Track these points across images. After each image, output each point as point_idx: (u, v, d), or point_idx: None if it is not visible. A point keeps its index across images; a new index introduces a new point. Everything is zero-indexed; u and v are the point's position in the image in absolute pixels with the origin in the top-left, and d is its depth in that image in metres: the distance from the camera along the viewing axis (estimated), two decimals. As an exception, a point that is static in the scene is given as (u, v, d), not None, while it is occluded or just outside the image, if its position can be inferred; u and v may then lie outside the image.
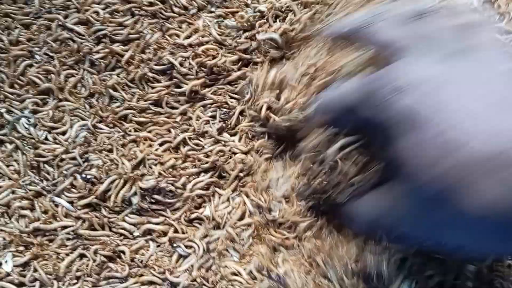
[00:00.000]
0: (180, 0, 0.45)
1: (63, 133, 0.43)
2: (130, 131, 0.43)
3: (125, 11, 0.45)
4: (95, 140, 0.43)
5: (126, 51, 0.44)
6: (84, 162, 0.41)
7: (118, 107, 0.44)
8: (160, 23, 0.45)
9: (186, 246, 0.40)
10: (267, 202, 0.40)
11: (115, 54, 0.44)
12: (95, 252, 0.40)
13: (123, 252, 0.40)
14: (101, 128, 0.43)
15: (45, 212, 0.40)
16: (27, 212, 0.40)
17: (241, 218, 0.41)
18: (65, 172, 0.41)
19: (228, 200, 0.42)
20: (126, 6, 0.44)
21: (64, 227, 0.40)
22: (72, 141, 0.42)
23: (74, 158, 0.42)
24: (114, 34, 0.44)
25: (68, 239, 0.40)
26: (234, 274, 0.39)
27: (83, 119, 0.43)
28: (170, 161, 0.42)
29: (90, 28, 0.44)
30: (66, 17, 0.44)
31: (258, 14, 0.44)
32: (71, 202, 0.41)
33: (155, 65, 0.44)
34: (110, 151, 0.43)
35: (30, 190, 0.41)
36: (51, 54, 0.44)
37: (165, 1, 0.45)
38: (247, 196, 0.42)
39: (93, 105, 0.44)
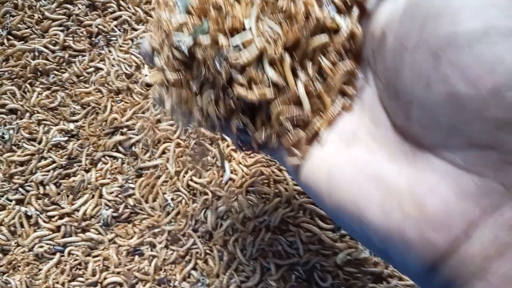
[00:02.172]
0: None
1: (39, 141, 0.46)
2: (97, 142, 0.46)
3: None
4: (67, 148, 0.46)
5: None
6: (59, 168, 0.45)
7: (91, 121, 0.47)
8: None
9: (150, 245, 0.42)
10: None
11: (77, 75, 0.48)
12: (69, 253, 0.43)
13: (88, 262, 0.42)
14: (72, 138, 0.46)
15: (21, 223, 0.44)
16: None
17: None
18: (39, 179, 0.44)
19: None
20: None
21: (41, 237, 0.43)
22: (47, 147, 0.46)
23: (49, 164, 0.45)
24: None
25: (46, 250, 0.43)
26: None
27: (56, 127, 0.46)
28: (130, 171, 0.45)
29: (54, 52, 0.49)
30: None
31: None
32: (42, 212, 0.44)
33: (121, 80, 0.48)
34: (79, 161, 0.46)
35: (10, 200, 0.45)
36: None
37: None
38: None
39: (58, 115, 0.47)
